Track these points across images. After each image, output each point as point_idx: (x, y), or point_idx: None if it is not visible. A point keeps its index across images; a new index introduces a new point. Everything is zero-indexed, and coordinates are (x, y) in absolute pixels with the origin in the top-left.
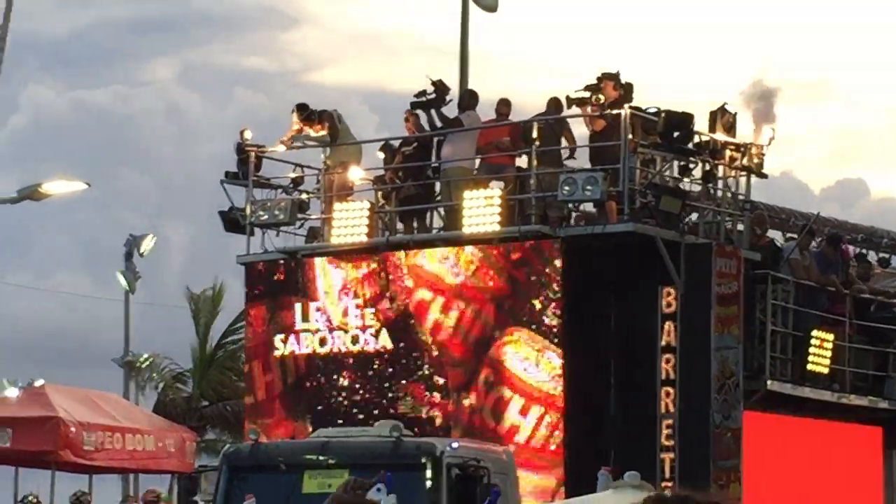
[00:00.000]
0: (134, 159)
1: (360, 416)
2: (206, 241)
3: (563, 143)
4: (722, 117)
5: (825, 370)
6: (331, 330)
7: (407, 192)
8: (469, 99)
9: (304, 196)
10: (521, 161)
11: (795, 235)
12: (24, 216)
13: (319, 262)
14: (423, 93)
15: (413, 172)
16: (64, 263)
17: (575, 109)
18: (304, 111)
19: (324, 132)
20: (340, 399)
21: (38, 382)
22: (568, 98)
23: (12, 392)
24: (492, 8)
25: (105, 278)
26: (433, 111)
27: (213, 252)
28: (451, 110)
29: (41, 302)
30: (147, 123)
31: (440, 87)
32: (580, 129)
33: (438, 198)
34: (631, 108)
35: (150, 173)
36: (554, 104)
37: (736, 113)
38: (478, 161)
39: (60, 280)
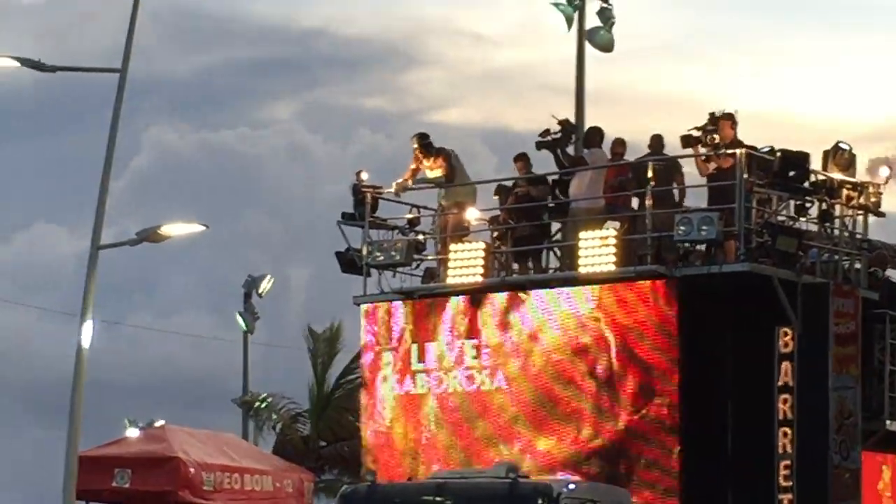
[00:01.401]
0: (257, 200)
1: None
2: (326, 281)
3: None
4: (835, 156)
5: None
6: (447, 370)
7: (521, 232)
8: (593, 136)
9: (420, 237)
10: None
11: None
12: (149, 258)
13: (436, 303)
14: (548, 132)
15: (526, 213)
16: (186, 304)
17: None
18: (423, 139)
19: (439, 171)
20: (455, 439)
21: (159, 423)
22: (682, 137)
23: (133, 432)
24: (607, 48)
25: (226, 319)
26: (559, 150)
27: (333, 292)
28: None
29: (162, 343)
30: (270, 164)
31: (566, 127)
32: (690, 168)
33: (556, 237)
34: (746, 147)
35: (273, 214)
36: (657, 141)
37: (852, 150)
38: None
39: (182, 321)
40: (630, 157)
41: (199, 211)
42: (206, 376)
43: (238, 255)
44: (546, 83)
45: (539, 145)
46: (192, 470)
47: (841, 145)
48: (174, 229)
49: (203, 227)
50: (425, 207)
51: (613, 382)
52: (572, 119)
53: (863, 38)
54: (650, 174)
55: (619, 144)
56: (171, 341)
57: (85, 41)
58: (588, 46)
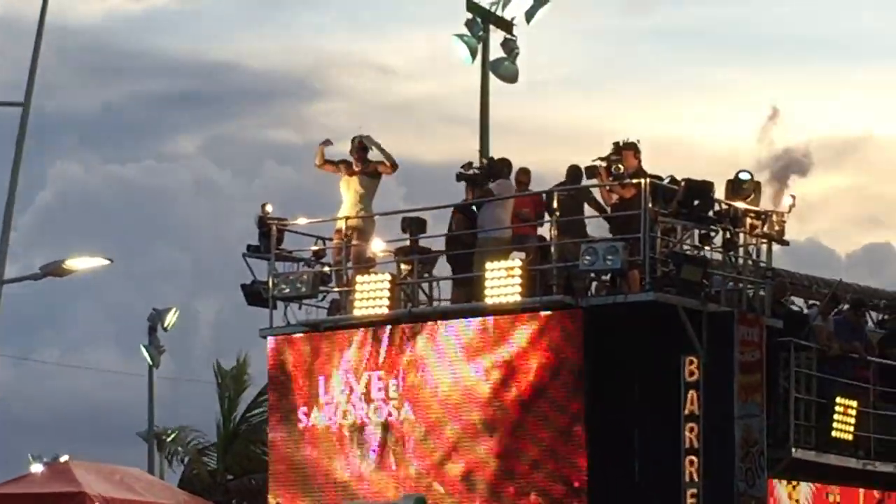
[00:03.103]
0: (164, 234)
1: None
2: (233, 314)
3: (587, 211)
4: (740, 185)
5: (849, 437)
6: (353, 403)
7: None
8: (500, 167)
9: (325, 268)
10: (545, 231)
11: (818, 302)
12: (57, 292)
13: (341, 335)
14: (471, 165)
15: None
16: (94, 339)
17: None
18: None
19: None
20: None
21: (63, 458)
22: (586, 168)
23: (37, 468)
24: (512, 79)
25: (133, 353)
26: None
27: (240, 325)
28: None
29: (69, 378)
30: (177, 198)
31: (491, 166)
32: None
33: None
34: (650, 176)
35: (181, 248)
36: (573, 172)
37: (754, 179)
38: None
39: (90, 356)
40: (535, 187)
41: (106, 245)
42: (112, 410)
43: (146, 289)
44: (451, 115)
45: (459, 176)
46: None
47: (742, 174)
48: (78, 263)
49: (107, 261)
50: (331, 239)
51: (520, 413)
52: (478, 148)
53: (758, 67)
54: (555, 204)
55: (524, 174)
56: (79, 376)
57: None
58: (492, 78)
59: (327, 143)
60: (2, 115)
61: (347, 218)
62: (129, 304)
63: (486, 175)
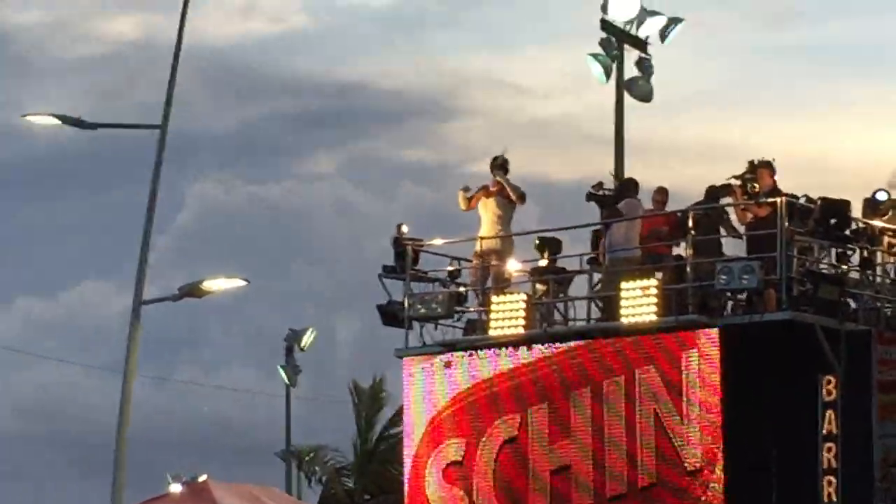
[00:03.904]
0: (303, 254)
1: None
2: (369, 334)
3: (722, 231)
4: (876, 203)
5: None
6: None
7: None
8: (628, 188)
9: (461, 289)
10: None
11: None
12: (196, 313)
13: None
14: (601, 185)
15: None
16: (231, 360)
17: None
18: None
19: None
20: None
21: (202, 478)
22: (720, 186)
23: (176, 487)
24: (646, 98)
25: (270, 373)
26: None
27: (377, 346)
28: None
29: (208, 398)
30: (316, 218)
31: (625, 187)
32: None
33: (597, 288)
34: (786, 195)
35: (319, 268)
36: (711, 192)
37: (892, 196)
38: (638, 251)
39: (228, 376)
40: (670, 206)
41: (244, 265)
42: (250, 430)
43: (284, 310)
44: (587, 134)
45: (589, 196)
46: None
47: (879, 194)
48: (216, 284)
49: (244, 282)
50: (466, 259)
51: (657, 432)
52: (611, 168)
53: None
54: (690, 223)
55: (660, 192)
56: (217, 396)
57: (132, 98)
58: (627, 97)
59: (466, 189)
60: (142, 136)
61: (483, 238)
62: (267, 325)
63: (617, 196)
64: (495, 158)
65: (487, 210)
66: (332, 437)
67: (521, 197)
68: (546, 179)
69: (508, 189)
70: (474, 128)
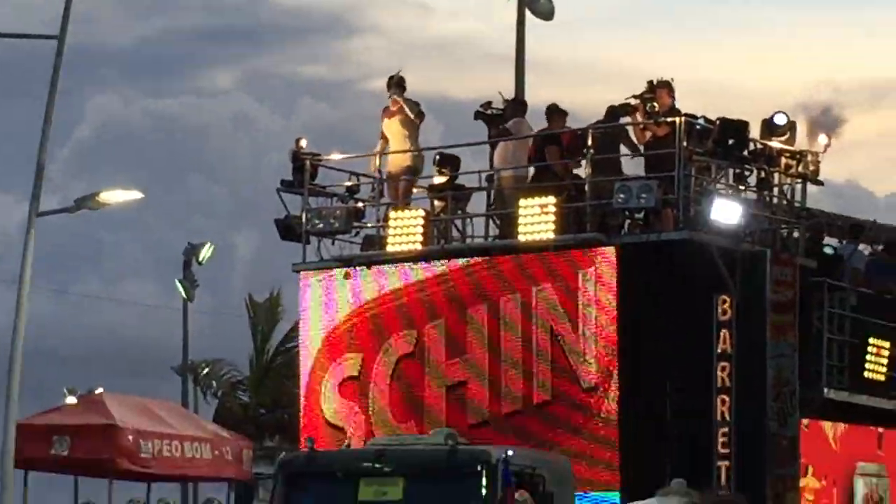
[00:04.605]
0: (202, 169)
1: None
2: (268, 249)
3: (622, 150)
4: (775, 125)
5: (882, 377)
6: None
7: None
8: (516, 107)
9: (359, 204)
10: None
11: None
12: (91, 226)
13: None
14: (489, 104)
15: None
16: (131, 273)
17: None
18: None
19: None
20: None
21: (98, 391)
22: (619, 106)
23: (71, 400)
24: (547, 16)
25: (170, 287)
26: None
27: (275, 260)
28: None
29: (106, 311)
30: (216, 132)
31: (511, 107)
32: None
33: (492, 206)
34: (685, 115)
35: (218, 182)
36: (611, 112)
37: (790, 119)
38: (531, 170)
39: (127, 290)
40: (570, 125)
41: (143, 179)
42: (148, 344)
43: (183, 224)
44: (487, 52)
45: (477, 115)
46: (130, 437)
47: (777, 117)
48: (112, 196)
49: (140, 195)
50: (364, 175)
51: (552, 347)
52: (512, 86)
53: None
54: (590, 142)
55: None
56: (115, 309)
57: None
58: (529, 15)
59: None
60: (41, 48)
61: (380, 154)
62: (166, 239)
63: (504, 115)
64: (391, 77)
65: (391, 130)
66: (229, 352)
67: (420, 115)
68: (447, 97)
69: (405, 107)
70: (375, 46)
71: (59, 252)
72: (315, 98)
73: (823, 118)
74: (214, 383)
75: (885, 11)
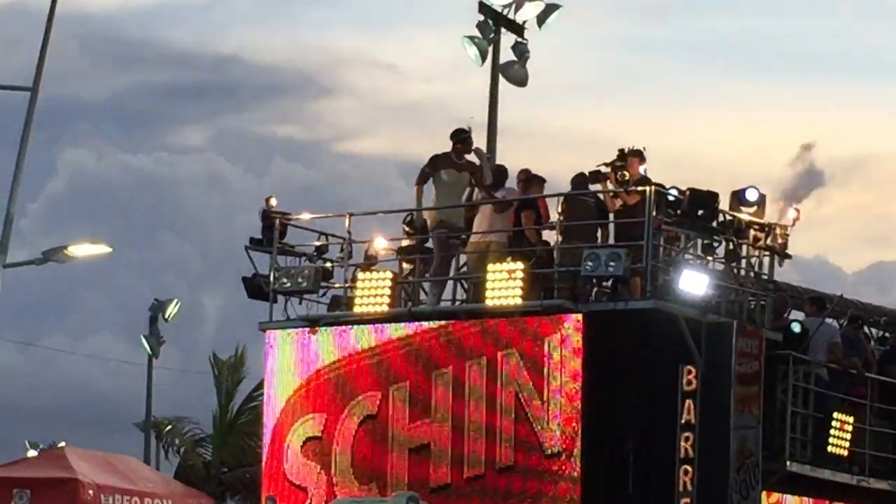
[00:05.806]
0: (172, 226)
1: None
2: (235, 308)
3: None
4: (744, 198)
5: (845, 452)
6: None
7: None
8: (500, 177)
9: (327, 264)
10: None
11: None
12: (63, 280)
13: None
14: (462, 130)
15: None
16: (97, 328)
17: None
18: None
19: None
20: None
21: (60, 444)
22: (590, 173)
23: (33, 454)
24: (521, 83)
25: (136, 343)
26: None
27: (242, 319)
28: None
29: (72, 365)
30: (187, 190)
31: (501, 176)
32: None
33: (463, 269)
34: (655, 185)
35: (188, 239)
36: (577, 181)
37: (760, 193)
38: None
39: (93, 344)
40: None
41: (114, 234)
42: (112, 399)
43: (151, 280)
44: (459, 116)
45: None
46: (90, 492)
47: (748, 191)
48: (80, 250)
49: (108, 249)
50: (333, 235)
51: (516, 411)
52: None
53: (768, 82)
54: (560, 210)
55: (524, 174)
56: (81, 364)
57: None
58: (502, 81)
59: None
60: (14, 100)
61: (351, 215)
62: (133, 294)
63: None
64: (458, 133)
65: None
66: (193, 409)
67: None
68: (418, 161)
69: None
70: (348, 108)
71: (26, 305)
72: (287, 158)
73: (806, 179)
74: (177, 440)
75: (857, 87)
